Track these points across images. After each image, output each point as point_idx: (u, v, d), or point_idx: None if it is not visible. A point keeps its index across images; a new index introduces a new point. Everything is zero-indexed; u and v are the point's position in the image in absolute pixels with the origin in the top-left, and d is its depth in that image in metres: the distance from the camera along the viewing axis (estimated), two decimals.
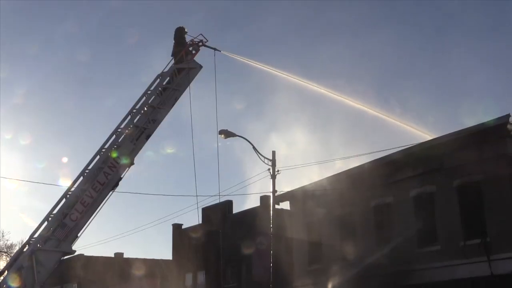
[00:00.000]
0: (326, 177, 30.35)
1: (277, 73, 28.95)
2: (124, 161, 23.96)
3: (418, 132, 27.81)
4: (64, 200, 23.26)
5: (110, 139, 24.39)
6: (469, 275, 22.99)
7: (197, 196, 26.36)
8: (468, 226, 24.03)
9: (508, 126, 23.06)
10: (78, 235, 23.21)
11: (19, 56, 78.93)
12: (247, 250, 35.92)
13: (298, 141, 37.57)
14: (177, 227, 46.24)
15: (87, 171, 23.79)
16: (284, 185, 32.53)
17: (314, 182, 31.16)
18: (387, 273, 25.02)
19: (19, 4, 71.81)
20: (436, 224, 25.34)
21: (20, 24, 77.85)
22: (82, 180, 23.67)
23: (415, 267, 24.98)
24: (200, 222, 34.86)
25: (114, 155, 23.77)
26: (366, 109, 29.29)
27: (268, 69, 28.96)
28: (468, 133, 24.08)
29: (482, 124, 23.91)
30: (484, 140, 23.56)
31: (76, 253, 24.74)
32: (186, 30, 26.63)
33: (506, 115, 23.03)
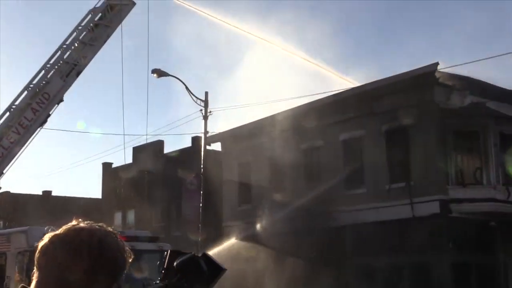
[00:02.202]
0: (258, 120, 30.53)
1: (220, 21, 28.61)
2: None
3: (344, 81, 28.16)
4: None
5: (38, 74, 23.67)
6: (392, 217, 23.92)
7: (124, 135, 26.19)
8: (394, 170, 24.83)
9: (436, 74, 23.69)
10: (4, 171, 22.66)
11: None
12: (177, 190, 36.04)
13: (235, 83, 37.48)
14: (107, 166, 45.76)
15: (13, 107, 23.10)
16: (222, 126, 32.61)
17: (245, 124, 31.31)
18: (314, 214, 25.64)
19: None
20: (363, 167, 26.05)
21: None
22: (8, 116, 22.99)
23: (341, 209, 25.70)
24: (131, 161, 34.63)
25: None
26: (297, 56, 29.36)
27: (207, 15, 28.53)
28: (398, 80, 24.65)
29: (411, 71, 24.48)
30: (413, 87, 24.16)
31: (1, 190, 24.26)
32: None
33: (435, 63, 23.63)
